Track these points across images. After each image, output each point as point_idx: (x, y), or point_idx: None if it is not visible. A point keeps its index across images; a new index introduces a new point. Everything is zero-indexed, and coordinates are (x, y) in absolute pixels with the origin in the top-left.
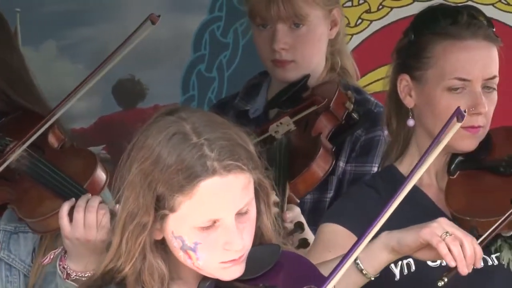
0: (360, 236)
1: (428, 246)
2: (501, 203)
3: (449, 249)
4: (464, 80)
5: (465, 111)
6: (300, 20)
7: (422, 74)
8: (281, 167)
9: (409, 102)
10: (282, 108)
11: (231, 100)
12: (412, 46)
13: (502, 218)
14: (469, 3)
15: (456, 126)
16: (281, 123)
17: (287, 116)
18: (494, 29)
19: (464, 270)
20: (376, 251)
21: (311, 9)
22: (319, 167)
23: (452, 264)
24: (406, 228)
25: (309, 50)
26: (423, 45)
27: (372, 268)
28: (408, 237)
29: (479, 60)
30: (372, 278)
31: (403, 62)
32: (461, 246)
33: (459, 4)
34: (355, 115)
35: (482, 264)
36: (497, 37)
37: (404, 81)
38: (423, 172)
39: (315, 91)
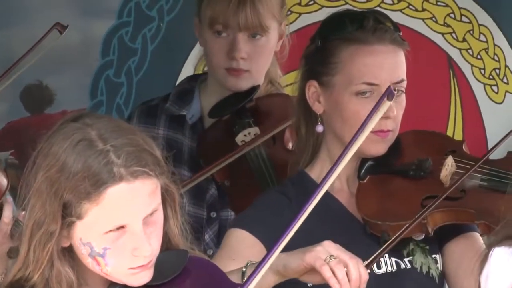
0: (273, 243)
1: (313, 269)
2: (411, 207)
3: (333, 273)
4: (371, 84)
5: (395, 89)
6: (262, 31)
7: (330, 80)
8: (272, 178)
9: (317, 108)
10: (242, 118)
11: (161, 104)
12: (319, 52)
13: (408, 224)
14: (377, 9)
15: (386, 105)
16: (249, 133)
17: (256, 128)
18: (401, 33)
19: None
20: (264, 273)
21: (271, 20)
22: None
23: (336, 287)
24: (292, 251)
25: (263, 61)
26: (330, 50)
27: None
28: (293, 261)
29: (386, 64)
30: None
31: (311, 68)
32: (346, 269)
33: (366, 10)
34: None
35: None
36: (403, 41)
37: (313, 87)
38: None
39: (258, 102)
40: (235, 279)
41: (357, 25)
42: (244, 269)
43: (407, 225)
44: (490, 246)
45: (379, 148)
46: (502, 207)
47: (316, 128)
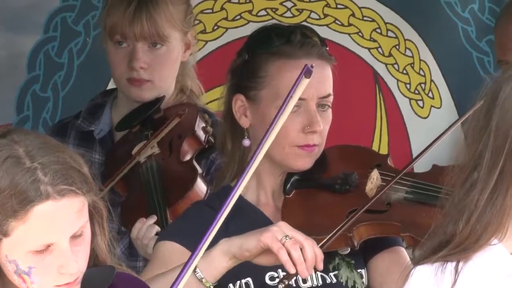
0: (195, 248)
1: (268, 251)
2: (337, 220)
3: (289, 253)
4: (299, 99)
5: (312, 66)
6: (161, 40)
7: (257, 94)
8: (158, 193)
9: (244, 122)
10: (143, 130)
11: (72, 121)
12: (246, 66)
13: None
14: (304, 23)
15: (305, 82)
16: (145, 146)
17: (152, 140)
18: (328, 48)
19: (305, 273)
20: (216, 259)
21: (171, 30)
22: (199, 190)
23: (291, 271)
24: (246, 233)
25: (166, 71)
26: (257, 64)
27: (212, 277)
28: (249, 242)
29: (314, 78)
30: (212, 287)
31: (237, 82)
32: (302, 249)
33: (293, 24)
34: (211, 139)
35: (322, 267)
36: (330, 56)
37: (239, 101)
38: (266, 186)
39: (167, 113)
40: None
41: (284, 40)
42: None
43: (331, 234)
44: (414, 263)
45: (305, 163)
46: (431, 220)
47: (243, 142)
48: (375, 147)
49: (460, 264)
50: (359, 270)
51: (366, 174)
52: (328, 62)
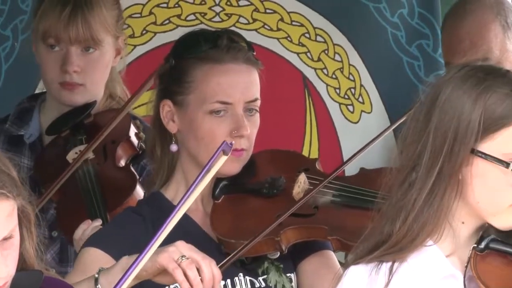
0: (132, 264)
1: (166, 270)
2: (265, 225)
3: (185, 274)
4: (225, 103)
5: (231, 144)
6: (95, 44)
7: (184, 99)
8: (97, 198)
9: (172, 127)
10: (75, 135)
11: (0, 125)
12: (173, 71)
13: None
14: (232, 28)
15: (222, 159)
16: (80, 151)
17: (86, 145)
18: (255, 53)
19: None
20: (116, 276)
21: (105, 34)
22: (138, 196)
23: None
24: None
25: (98, 75)
26: (184, 69)
27: None
28: (146, 262)
29: (240, 83)
30: None
31: (165, 87)
32: (199, 269)
33: (220, 29)
34: (143, 145)
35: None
36: (257, 60)
37: (167, 106)
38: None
39: (97, 118)
40: None
41: (211, 44)
42: (96, 275)
43: (250, 240)
44: (347, 265)
45: (233, 168)
46: (358, 223)
47: (171, 147)
48: (305, 152)
49: (395, 264)
50: (288, 274)
51: (293, 178)
52: (255, 66)
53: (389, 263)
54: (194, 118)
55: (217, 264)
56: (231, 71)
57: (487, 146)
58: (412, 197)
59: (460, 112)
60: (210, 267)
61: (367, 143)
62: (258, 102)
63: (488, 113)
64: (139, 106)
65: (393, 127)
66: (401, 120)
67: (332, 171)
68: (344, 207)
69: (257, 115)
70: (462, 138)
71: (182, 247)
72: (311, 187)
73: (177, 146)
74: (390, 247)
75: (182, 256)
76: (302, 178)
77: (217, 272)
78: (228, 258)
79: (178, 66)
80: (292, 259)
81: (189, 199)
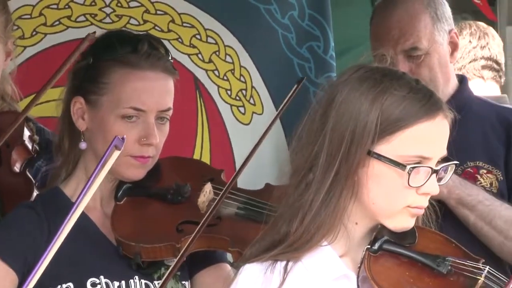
0: (32, 269)
1: None
2: (166, 230)
3: None
4: (139, 110)
5: (123, 139)
6: None
7: (98, 99)
8: None
9: (81, 124)
10: None
11: None
12: (90, 70)
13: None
14: (124, 28)
15: (115, 154)
16: None
17: None
18: (173, 61)
19: None
20: None
21: None
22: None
23: None
24: None
25: None
26: (101, 70)
27: None
28: None
29: (155, 91)
30: None
31: (79, 84)
32: None
33: (141, 33)
34: (37, 147)
35: None
36: (175, 70)
37: (78, 103)
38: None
39: None
40: None
41: (131, 48)
42: None
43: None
44: (243, 261)
45: (138, 173)
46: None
47: (80, 145)
48: (197, 154)
49: (290, 264)
50: (183, 282)
51: (199, 186)
52: (171, 75)
53: (284, 262)
54: (105, 120)
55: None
56: (148, 78)
57: (384, 148)
58: (309, 198)
59: (357, 113)
60: None
61: (256, 142)
62: (171, 112)
63: (385, 115)
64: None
65: (278, 115)
66: (277, 116)
67: (230, 181)
68: (247, 220)
69: (167, 124)
70: (359, 139)
71: None
72: (216, 197)
73: (85, 144)
74: (287, 246)
75: None
76: (208, 187)
77: None
78: (179, 256)
79: (96, 65)
80: (190, 268)
81: (87, 195)
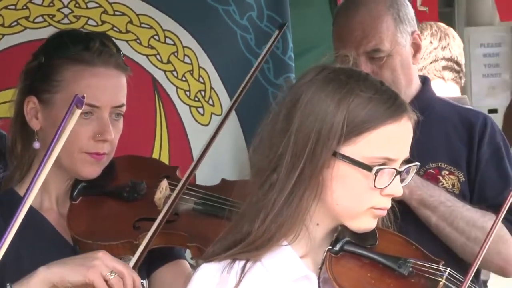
0: None
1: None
2: (123, 228)
3: None
4: (93, 106)
5: (83, 97)
6: None
7: (51, 97)
8: None
9: (34, 124)
10: None
11: None
12: (42, 69)
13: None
14: (81, 29)
15: (77, 113)
16: None
17: None
18: (124, 58)
19: None
20: None
21: None
22: None
23: None
24: (66, 262)
25: None
26: (53, 68)
27: None
28: (74, 275)
29: (109, 87)
30: None
31: (31, 84)
32: (123, 278)
33: (92, 32)
34: None
35: None
36: (126, 66)
37: (32, 103)
38: (51, 191)
39: None
40: None
41: (83, 46)
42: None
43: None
44: (202, 260)
45: (93, 171)
46: (218, 231)
47: (33, 144)
48: (155, 154)
49: (248, 264)
50: (141, 281)
51: (155, 183)
52: (124, 72)
53: (242, 262)
54: (59, 118)
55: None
56: (101, 74)
57: (349, 149)
58: (272, 198)
59: (323, 114)
60: (132, 276)
61: (210, 139)
62: (124, 108)
63: (351, 117)
64: None
65: (233, 108)
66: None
67: (186, 178)
68: (205, 215)
69: (121, 120)
70: (325, 140)
71: (107, 261)
72: (172, 194)
73: (39, 143)
74: (247, 245)
75: (111, 272)
76: (164, 184)
77: (137, 278)
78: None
79: (48, 64)
80: (147, 266)
81: (48, 162)
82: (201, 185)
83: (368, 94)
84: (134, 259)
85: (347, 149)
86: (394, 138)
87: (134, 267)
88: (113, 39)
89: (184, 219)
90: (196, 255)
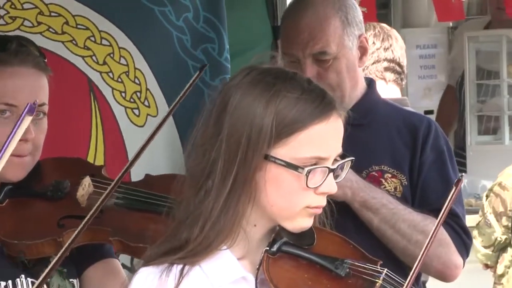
0: None
1: None
2: (48, 226)
3: None
4: (11, 105)
5: (34, 103)
6: None
7: None
8: None
9: None
10: None
11: None
12: None
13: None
14: (17, 32)
15: (28, 119)
16: None
17: None
18: (46, 60)
19: None
20: None
21: None
22: None
23: None
24: None
25: None
26: None
27: None
28: None
29: (27, 87)
30: None
31: None
32: None
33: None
34: None
35: None
36: (47, 67)
37: None
38: None
39: None
40: None
41: (0, 48)
42: None
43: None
44: (141, 265)
45: (18, 173)
46: (141, 225)
47: None
48: (91, 156)
49: (186, 268)
50: (71, 280)
51: (78, 181)
52: (44, 72)
53: (180, 266)
54: None
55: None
56: (18, 74)
57: (280, 151)
58: (209, 205)
59: (252, 118)
60: None
61: (146, 140)
62: (46, 107)
63: (279, 119)
64: None
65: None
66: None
67: (120, 175)
68: (127, 209)
69: (45, 120)
70: (255, 144)
71: None
72: (96, 190)
73: None
74: (185, 253)
75: None
76: (87, 181)
77: None
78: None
79: None
80: (76, 265)
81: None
82: (124, 181)
83: (295, 95)
84: (57, 256)
85: (278, 151)
86: (324, 137)
87: (55, 264)
88: (49, 40)
89: (107, 215)
90: (118, 249)
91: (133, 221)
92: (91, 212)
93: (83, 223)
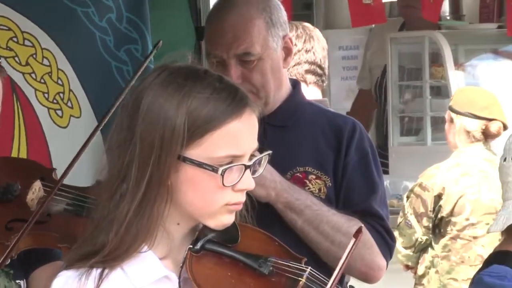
0: None
1: None
2: None
3: None
4: None
5: None
6: None
7: None
8: None
9: None
10: None
11: None
12: None
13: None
14: None
15: None
16: None
17: None
18: (1, 62)
19: None
20: None
21: None
22: None
23: None
24: None
25: None
26: None
27: None
28: None
29: None
30: None
31: None
32: None
33: None
34: None
35: None
36: (2, 68)
37: None
38: None
39: None
40: None
41: None
42: None
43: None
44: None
45: None
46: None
47: None
48: (14, 156)
49: (106, 270)
50: (18, 281)
51: (29, 185)
52: None
53: (100, 269)
54: None
55: None
56: None
57: (194, 152)
58: (124, 209)
59: (164, 120)
60: None
61: (80, 149)
62: None
63: (191, 119)
64: None
65: (99, 128)
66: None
67: (60, 179)
68: (77, 216)
69: None
70: (168, 146)
71: None
72: (46, 195)
73: None
74: (103, 257)
75: None
76: (37, 185)
77: None
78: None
79: None
80: (24, 267)
81: None
82: (74, 186)
83: (206, 95)
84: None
85: (192, 152)
86: (238, 134)
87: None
88: None
89: (56, 220)
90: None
91: (81, 228)
92: (32, 216)
93: (25, 226)
